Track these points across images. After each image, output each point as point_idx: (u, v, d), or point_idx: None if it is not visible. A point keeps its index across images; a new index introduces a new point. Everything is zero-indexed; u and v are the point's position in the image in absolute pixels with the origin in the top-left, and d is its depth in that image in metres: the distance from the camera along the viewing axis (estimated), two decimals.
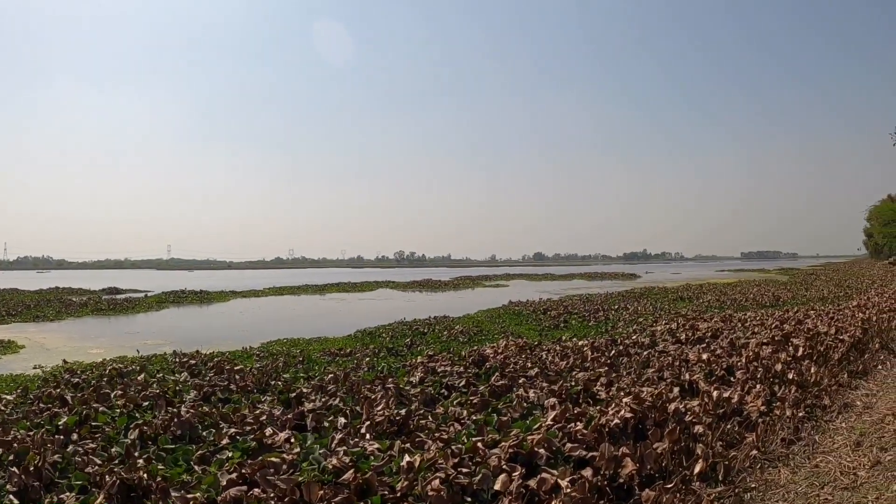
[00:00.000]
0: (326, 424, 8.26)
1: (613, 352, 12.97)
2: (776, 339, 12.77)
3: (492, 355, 13.38)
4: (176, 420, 8.27)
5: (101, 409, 9.40)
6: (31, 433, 7.87)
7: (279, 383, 11.73)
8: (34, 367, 15.82)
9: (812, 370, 9.95)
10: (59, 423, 8.47)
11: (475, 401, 9.08)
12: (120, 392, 10.55)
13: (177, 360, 15.33)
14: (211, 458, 6.93)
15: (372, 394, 9.97)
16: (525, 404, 8.81)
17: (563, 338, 16.92)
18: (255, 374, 12.76)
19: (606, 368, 11.13)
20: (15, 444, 7.04)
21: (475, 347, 15.30)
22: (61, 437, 7.74)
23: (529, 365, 11.83)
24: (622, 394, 8.67)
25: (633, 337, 14.59)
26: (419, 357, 14.33)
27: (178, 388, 11.35)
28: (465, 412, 8.61)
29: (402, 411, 8.55)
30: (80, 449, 7.16)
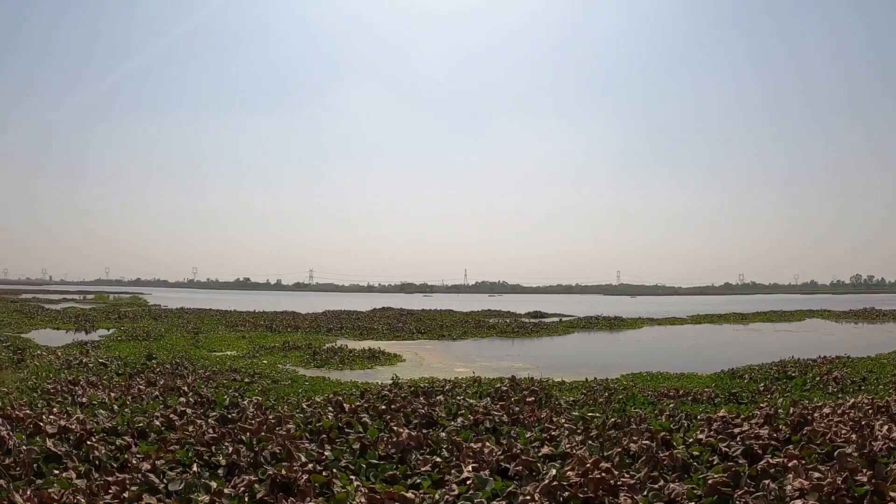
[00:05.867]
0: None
1: None
2: None
3: (830, 413, 10.14)
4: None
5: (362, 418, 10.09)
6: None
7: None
8: (391, 379, 16.43)
9: None
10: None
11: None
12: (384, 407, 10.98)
13: (499, 385, 14.96)
14: None
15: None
16: None
17: None
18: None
19: None
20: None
21: (823, 402, 11.88)
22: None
23: (854, 437, 8.48)
24: None
25: None
26: (754, 409, 11.49)
27: (433, 411, 10.98)
28: None
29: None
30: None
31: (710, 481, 6.57)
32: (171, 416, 10.08)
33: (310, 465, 7.16)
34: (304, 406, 11.48)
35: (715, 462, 7.86)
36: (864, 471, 6.68)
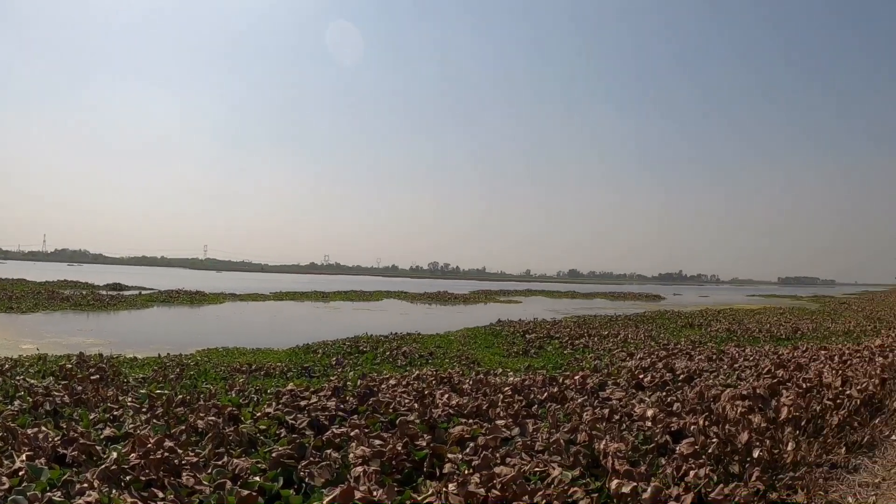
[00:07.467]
0: None
1: (545, 394, 9.93)
2: (758, 391, 9.56)
3: (396, 385, 10.60)
4: None
5: None
6: None
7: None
8: None
9: (790, 446, 6.86)
10: None
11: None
12: None
13: (65, 363, 13.55)
14: None
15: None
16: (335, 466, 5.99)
17: (499, 370, 13.91)
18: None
19: (510, 421, 8.09)
20: None
21: (390, 375, 12.45)
22: None
23: (416, 406, 8.87)
24: (476, 473, 5.67)
25: (578, 376, 11.45)
26: (325, 382, 11.63)
27: None
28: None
29: None
30: None
31: (275, 454, 6.38)
32: None
33: None
34: None
35: (283, 435, 7.75)
36: (425, 436, 6.94)
